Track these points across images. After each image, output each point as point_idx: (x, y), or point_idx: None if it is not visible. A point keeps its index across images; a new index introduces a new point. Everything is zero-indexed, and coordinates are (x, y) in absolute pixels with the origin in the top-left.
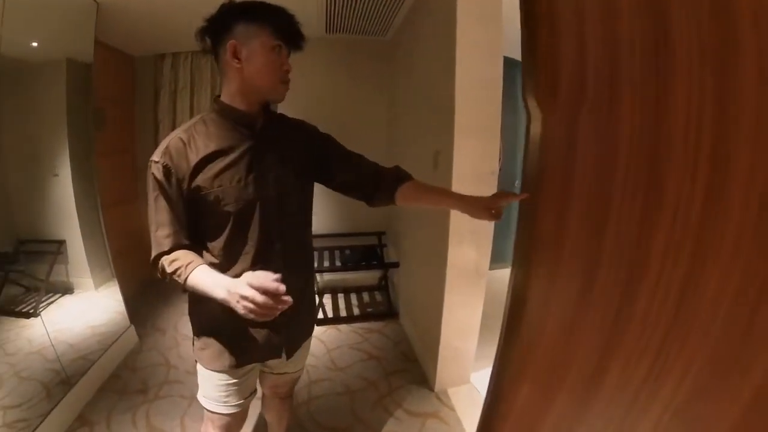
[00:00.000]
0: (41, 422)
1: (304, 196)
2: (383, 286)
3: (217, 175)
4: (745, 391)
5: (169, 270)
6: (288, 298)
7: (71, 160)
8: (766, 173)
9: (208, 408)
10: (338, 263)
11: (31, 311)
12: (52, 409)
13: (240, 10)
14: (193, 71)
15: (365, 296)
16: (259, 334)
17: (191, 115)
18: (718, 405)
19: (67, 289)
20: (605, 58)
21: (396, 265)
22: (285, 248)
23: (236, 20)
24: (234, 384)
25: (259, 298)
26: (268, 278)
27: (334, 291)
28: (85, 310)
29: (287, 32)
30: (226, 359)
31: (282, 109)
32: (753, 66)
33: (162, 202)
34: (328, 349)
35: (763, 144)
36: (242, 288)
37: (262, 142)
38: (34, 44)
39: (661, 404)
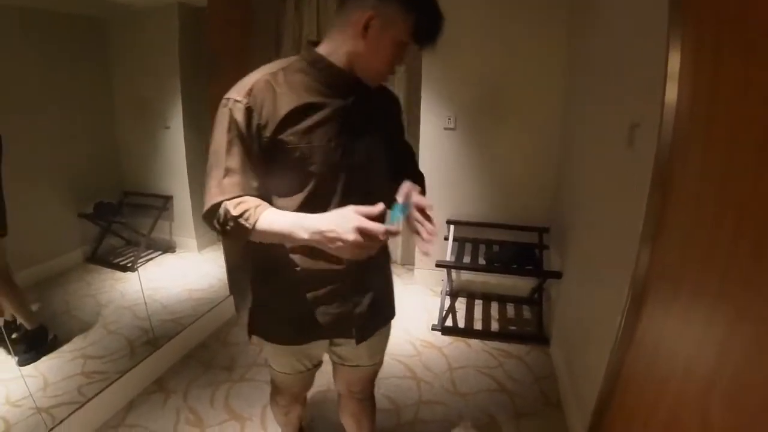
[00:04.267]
0: (118, 378)
1: (389, 168)
2: (536, 300)
3: (307, 131)
4: None
5: (234, 213)
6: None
7: (184, 113)
8: None
9: (269, 362)
10: (482, 261)
11: (129, 265)
12: (133, 368)
13: None
14: (320, 15)
15: (510, 309)
16: (329, 308)
17: None
18: None
19: (168, 248)
20: None
21: (557, 275)
22: None
23: None
24: (294, 352)
25: (370, 226)
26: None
27: (471, 295)
28: (184, 271)
29: (426, 35)
30: (288, 333)
31: (438, 71)
32: None
33: (236, 147)
34: (450, 367)
35: None
36: (352, 218)
37: (355, 104)
38: None
39: None
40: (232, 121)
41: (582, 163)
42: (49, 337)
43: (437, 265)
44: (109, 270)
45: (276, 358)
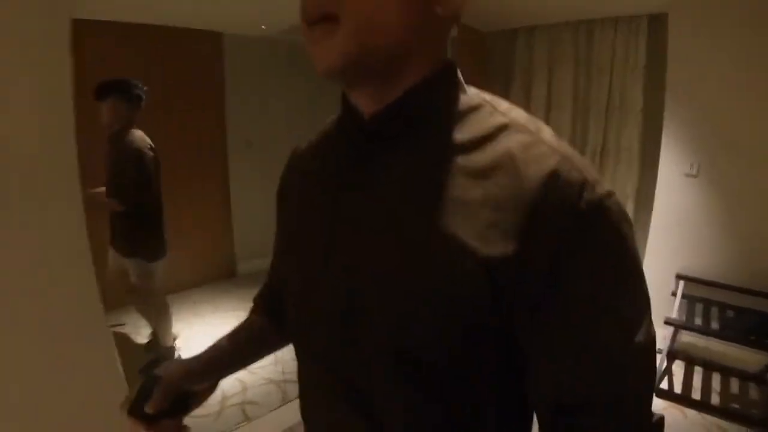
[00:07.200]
0: None
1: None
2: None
3: (281, 219)
4: None
5: None
6: None
7: None
8: None
9: None
10: (714, 325)
11: None
12: None
13: None
14: (552, 47)
15: (734, 384)
16: None
17: (548, 97)
18: None
19: None
20: None
21: None
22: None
23: None
24: None
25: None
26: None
27: (690, 360)
28: None
29: None
30: None
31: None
32: None
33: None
34: None
35: None
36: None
37: (362, 174)
38: None
39: None
40: None
41: None
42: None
43: (665, 323)
44: None
45: None
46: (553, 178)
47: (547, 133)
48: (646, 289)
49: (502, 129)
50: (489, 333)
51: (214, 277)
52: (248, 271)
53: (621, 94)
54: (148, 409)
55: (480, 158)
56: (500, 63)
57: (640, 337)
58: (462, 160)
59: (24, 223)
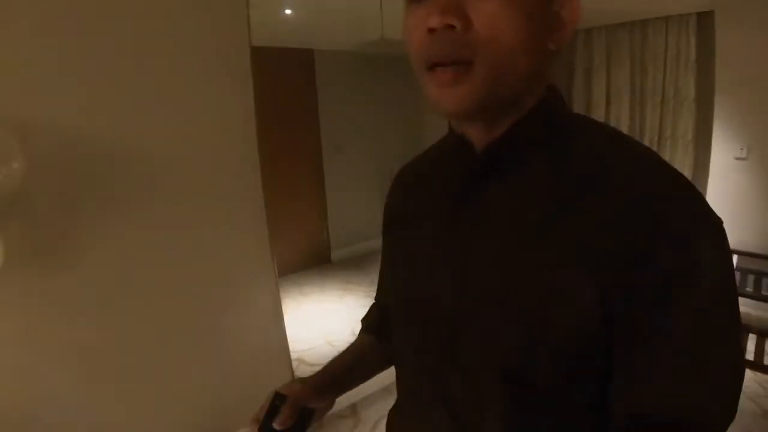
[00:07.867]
0: None
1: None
2: None
3: (390, 241)
4: None
5: None
6: None
7: None
8: None
9: None
10: (765, 292)
11: None
12: None
13: None
14: (609, 46)
15: None
16: None
17: (607, 97)
18: None
19: None
20: None
21: None
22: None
23: None
24: None
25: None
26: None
27: (745, 329)
28: None
29: None
30: None
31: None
32: None
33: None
34: None
35: None
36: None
37: (474, 200)
38: None
39: None
40: None
41: None
42: None
43: None
44: None
45: None
46: (664, 206)
47: (654, 160)
48: (738, 306)
49: (609, 157)
50: (593, 356)
51: (313, 263)
52: (340, 258)
53: (674, 87)
54: (277, 425)
55: (591, 186)
56: (562, 62)
57: (731, 352)
58: (573, 189)
59: (218, 216)
